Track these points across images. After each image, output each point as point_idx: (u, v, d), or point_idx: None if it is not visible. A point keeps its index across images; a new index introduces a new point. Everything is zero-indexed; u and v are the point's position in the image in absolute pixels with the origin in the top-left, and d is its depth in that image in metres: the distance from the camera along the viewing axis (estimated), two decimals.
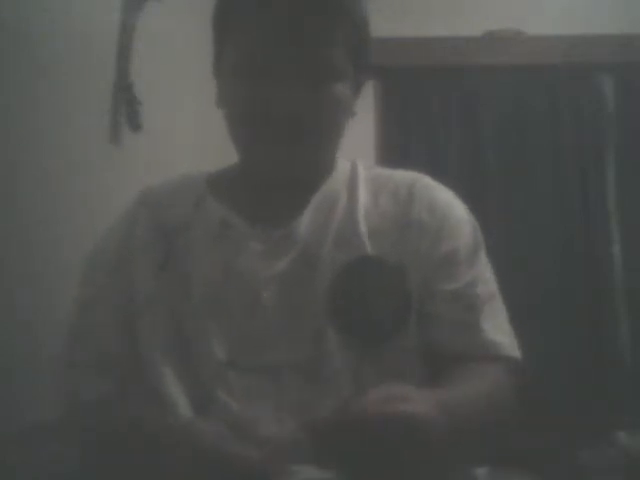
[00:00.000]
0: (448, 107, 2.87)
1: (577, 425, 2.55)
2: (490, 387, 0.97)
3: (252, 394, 0.95)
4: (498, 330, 1.02)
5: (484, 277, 1.05)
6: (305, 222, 1.02)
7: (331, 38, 0.96)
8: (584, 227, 2.80)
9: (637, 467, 1.97)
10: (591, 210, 2.81)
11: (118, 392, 0.97)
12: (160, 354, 0.98)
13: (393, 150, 2.84)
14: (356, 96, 1.05)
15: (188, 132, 2.00)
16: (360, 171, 1.09)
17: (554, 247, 2.78)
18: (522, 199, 2.80)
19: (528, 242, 2.72)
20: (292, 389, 0.95)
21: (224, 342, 0.97)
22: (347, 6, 0.98)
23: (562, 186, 2.82)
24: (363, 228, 1.01)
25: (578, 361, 2.69)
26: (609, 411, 2.64)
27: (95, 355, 1.00)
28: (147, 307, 1.00)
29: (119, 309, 1.00)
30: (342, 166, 1.10)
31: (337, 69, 0.98)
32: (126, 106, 1.62)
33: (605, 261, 2.80)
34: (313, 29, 0.95)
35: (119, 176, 1.57)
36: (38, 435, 1.16)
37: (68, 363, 1.01)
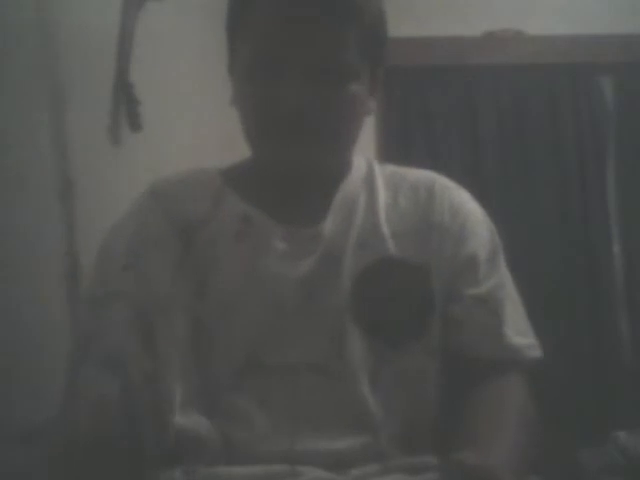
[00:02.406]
0: (448, 107, 2.87)
1: (577, 425, 2.56)
2: (518, 405, 1.00)
3: (269, 394, 0.95)
4: (519, 333, 1.03)
5: (504, 280, 1.06)
6: (329, 223, 1.02)
7: (345, 38, 0.96)
8: (584, 227, 2.80)
9: (637, 467, 1.97)
10: (591, 210, 2.81)
11: (123, 393, 0.96)
12: (176, 354, 0.96)
13: (394, 149, 2.84)
14: (373, 95, 1.04)
15: (188, 132, 2.00)
16: (376, 169, 1.09)
17: (554, 247, 2.78)
18: (522, 199, 2.81)
19: (528, 242, 2.72)
20: (309, 388, 0.95)
21: (244, 342, 0.97)
22: (360, 5, 0.97)
23: (562, 186, 2.83)
24: (385, 230, 1.02)
25: (578, 361, 2.70)
26: (609, 411, 2.65)
27: (106, 355, 0.96)
28: (163, 306, 0.98)
29: (133, 308, 0.97)
30: (358, 164, 1.09)
31: (351, 69, 0.97)
32: (126, 106, 1.62)
33: (605, 261, 2.80)
34: (326, 29, 0.95)
35: (119, 176, 1.57)
36: (38, 435, 1.16)
37: (77, 362, 0.98)
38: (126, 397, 0.94)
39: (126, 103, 1.62)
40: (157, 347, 0.97)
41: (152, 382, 0.96)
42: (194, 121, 2.05)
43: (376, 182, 1.07)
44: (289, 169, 1.00)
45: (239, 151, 1.09)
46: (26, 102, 1.28)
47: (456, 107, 2.87)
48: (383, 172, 1.09)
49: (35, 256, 1.28)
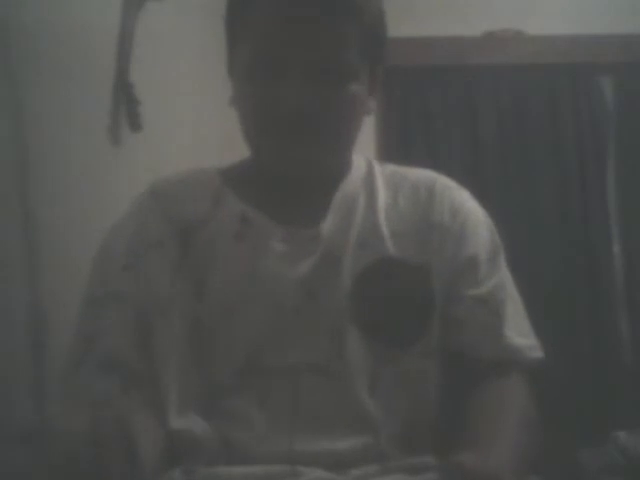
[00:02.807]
0: (448, 107, 2.87)
1: (577, 425, 2.56)
2: (519, 405, 1.00)
3: (269, 394, 0.95)
4: (519, 333, 1.03)
5: (505, 280, 1.06)
6: (328, 223, 1.02)
7: (345, 38, 0.96)
8: (584, 227, 2.80)
9: (637, 467, 1.97)
10: (591, 210, 2.81)
11: (121, 394, 0.96)
12: (175, 354, 0.96)
13: (394, 149, 2.84)
14: (373, 94, 1.04)
15: (188, 132, 2.00)
16: (376, 169, 1.09)
17: (554, 247, 2.78)
18: (522, 199, 2.80)
19: (528, 242, 2.72)
20: (309, 389, 0.95)
21: (244, 342, 0.97)
22: (360, 5, 0.97)
23: (562, 186, 2.83)
24: (384, 230, 1.01)
25: (578, 361, 2.70)
26: (609, 411, 2.65)
27: (105, 356, 0.96)
28: (163, 306, 0.98)
29: (133, 309, 0.98)
30: (357, 163, 1.09)
31: (351, 69, 0.97)
32: (126, 106, 1.62)
33: (605, 261, 2.80)
34: (326, 29, 0.95)
35: (119, 176, 1.57)
36: (38, 435, 1.16)
37: (75, 363, 0.98)
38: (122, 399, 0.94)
39: (126, 103, 1.62)
40: (156, 348, 0.97)
41: (150, 383, 0.96)
42: (194, 121, 2.05)
43: (376, 182, 1.06)
44: (289, 169, 1.00)
45: (239, 151, 1.09)
46: (25, 102, 1.28)
47: (456, 107, 2.87)
48: (383, 172, 1.09)
49: (36, 255, 1.28)
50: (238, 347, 0.96)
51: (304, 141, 0.97)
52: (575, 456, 2.13)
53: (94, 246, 1.06)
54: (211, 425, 0.94)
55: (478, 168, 2.82)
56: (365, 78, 1.00)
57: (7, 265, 1.21)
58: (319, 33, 0.95)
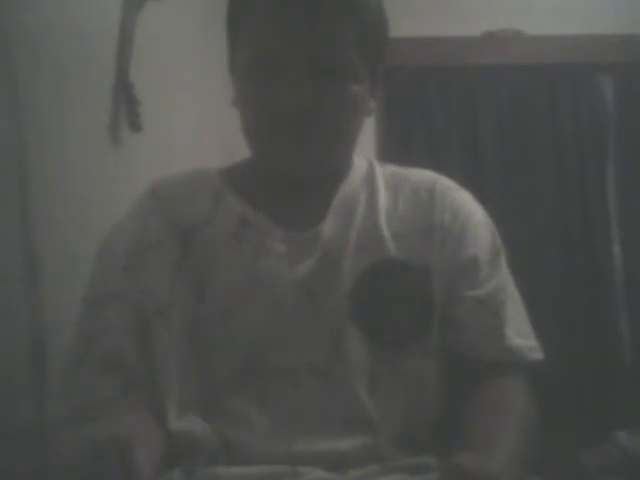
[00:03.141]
0: (448, 107, 2.87)
1: (577, 425, 2.56)
2: (519, 406, 0.99)
3: (268, 395, 0.95)
4: (520, 334, 1.03)
5: (505, 281, 1.06)
6: (328, 224, 1.02)
7: (344, 37, 0.96)
8: (584, 227, 2.80)
9: (637, 467, 1.97)
10: (591, 210, 2.81)
11: (121, 395, 0.96)
12: (174, 355, 0.96)
13: (394, 149, 2.84)
14: (373, 95, 1.04)
15: (188, 132, 2.00)
16: (377, 170, 1.09)
17: (554, 247, 2.79)
18: (522, 199, 2.80)
19: (528, 242, 2.72)
20: (308, 390, 0.95)
21: (243, 343, 0.97)
22: (360, 5, 0.98)
23: (562, 186, 2.83)
24: (385, 231, 1.01)
25: (578, 361, 2.70)
26: (609, 411, 2.65)
27: (105, 356, 0.96)
28: (162, 308, 0.98)
29: (133, 309, 0.98)
30: (358, 164, 1.09)
31: (352, 69, 0.97)
32: (126, 106, 1.62)
33: (605, 261, 2.80)
34: (326, 29, 0.95)
35: (119, 176, 1.57)
36: (38, 435, 1.16)
37: (75, 363, 0.98)
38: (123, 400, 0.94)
39: (126, 103, 1.62)
40: (156, 348, 0.97)
41: (150, 383, 0.96)
42: (194, 121, 2.05)
43: (376, 182, 1.06)
44: (289, 169, 1.00)
45: (239, 151, 1.09)
46: (25, 102, 1.28)
47: (456, 107, 2.87)
48: (384, 172, 1.09)
49: (37, 255, 1.28)
50: (238, 347, 0.96)
51: (304, 141, 0.97)
52: (575, 456, 2.13)
53: (94, 246, 1.06)
54: (211, 425, 0.94)
55: (478, 168, 2.82)
56: (365, 78, 1.00)
57: (7, 265, 1.21)
58: (319, 33, 0.95)
